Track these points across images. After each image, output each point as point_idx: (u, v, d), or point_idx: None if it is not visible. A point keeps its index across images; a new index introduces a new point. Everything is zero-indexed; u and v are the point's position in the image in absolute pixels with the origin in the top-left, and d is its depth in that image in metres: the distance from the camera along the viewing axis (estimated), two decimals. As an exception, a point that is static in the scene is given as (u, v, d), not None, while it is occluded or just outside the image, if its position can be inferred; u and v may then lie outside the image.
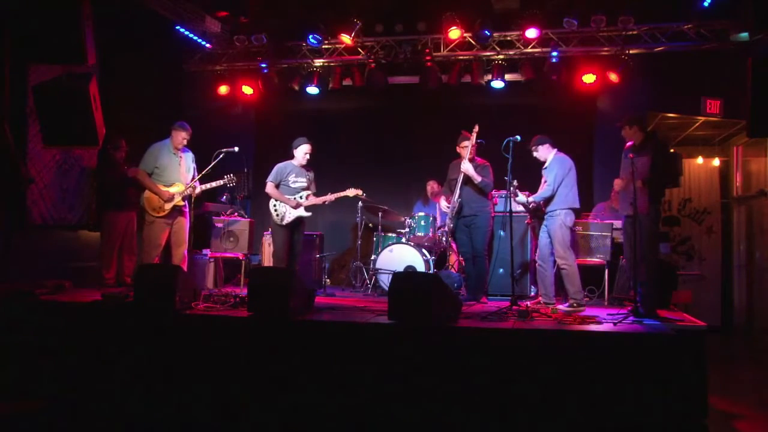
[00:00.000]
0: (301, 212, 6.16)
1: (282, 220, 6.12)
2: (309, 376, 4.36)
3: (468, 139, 6.08)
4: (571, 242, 5.55)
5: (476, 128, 6.05)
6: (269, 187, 6.18)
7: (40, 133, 5.45)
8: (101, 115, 5.32)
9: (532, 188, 5.90)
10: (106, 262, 6.30)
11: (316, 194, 6.29)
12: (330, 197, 6.27)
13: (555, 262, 5.56)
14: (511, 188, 5.57)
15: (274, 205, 6.16)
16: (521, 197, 5.71)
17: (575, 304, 5.28)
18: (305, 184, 6.25)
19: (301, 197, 6.18)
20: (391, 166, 8.74)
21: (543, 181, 5.66)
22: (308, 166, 6.29)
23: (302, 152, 6.17)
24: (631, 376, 3.90)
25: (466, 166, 5.99)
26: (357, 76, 8.21)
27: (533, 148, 5.68)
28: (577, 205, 5.53)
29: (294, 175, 6.20)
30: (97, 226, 6.82)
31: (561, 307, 5.26)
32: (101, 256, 6.36)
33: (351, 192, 6.33)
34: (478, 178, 5.99)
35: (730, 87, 6.96)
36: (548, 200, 5.52)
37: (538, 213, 5.72)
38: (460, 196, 6.11)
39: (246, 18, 8.12)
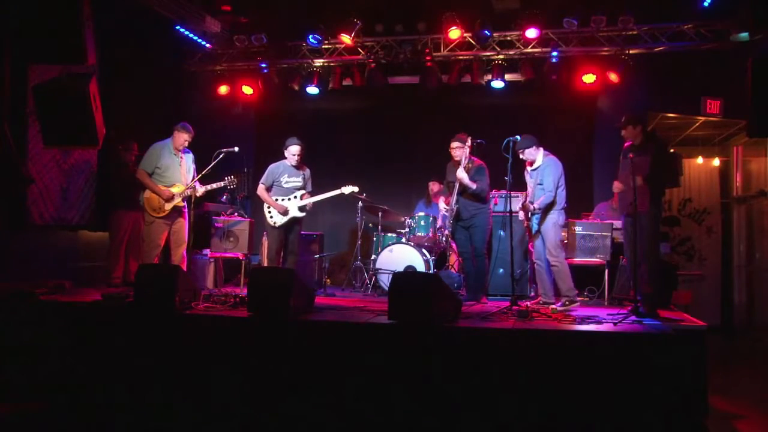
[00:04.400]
0: (295, 213, 6.15)
1: (275, 222, 6.12)
2: (309, 376, 4.36)
3: (461, 143, 6.05)
4: (571, 243, 5.56)
5: (469, 140, 6.00)
6: (260, 190, 6.20)
7: (40, 134, 5.45)
8: (101, 115, 5.32)
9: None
10: (113, 262, 6.32)
11: (312, 193, 6.27)
12: (324, 196, 6.24)
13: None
14: (529, 204, 5.57)
15: (268, 208, 6.16)
16: (533, 209, 5.63)
17: (567, 302, 5.31)
18: (299, 184, 6.22)
19: (295, 197, 6.17)
20: (391, 166, 8.73)
21: (536, 183, 5.64)
22: (303, 165, 6.28)
23: (291, 153, 6.14)
24: (631, 376, 3.90)
25: (462, 175, 5.96)
26: (357, 76, 8.20)
27: (519, 151, 5.62)
28: (566, 205, 5.59)
29: (287, 175, 6.19)
30: (97, 226, 6.82)
31: (554, 306, 5.26)
32: (109, 256, 6.39)
33: (347, 189, 6.27)
34: (473, 186, 5.94)
35: (730, 87, 6.95)
36: (549, 204, 5.53)
37: (530, 214, 5.72)
38: (457, 202, 6.11)
39: (246, 18, 8.12)
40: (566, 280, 5.46)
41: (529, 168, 5.73)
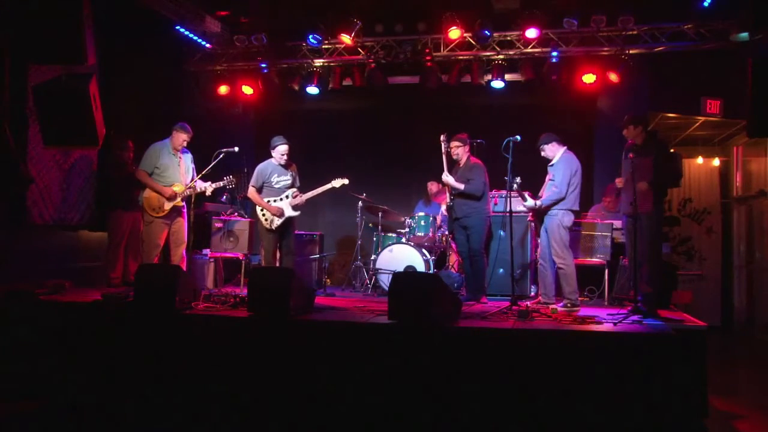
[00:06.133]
0: (290, 212, 6.12)
1: (271, 224, 6.07)
2: (309, 376, 4.36)
3: (461, 142, 6.09)
4: (570, 243, 5.54)
5: (443, 137, 6.12)
6: (251, 192, 6.15)
7: (40, 134, 5.44)
8: (101, 115, 5.32)
9: (532, 188, 5.90)
10: (111, 262, 6.31)
11: (302, 189, 6.22)
12: (316, 192, 6.19)
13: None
14: (516, 188, 5.54)
15: (262, 210, 6.13)
16: (530, 202, 5.62)
17: (569, 305, 5.28)
18: (289, 182, 6.18)
19: (287, 196, 6.14)
20: (391, 166, 8.74)
21: (548, 178, 5.62)
22: (289, 162, 6.23)
23: (279, 153, 6.09)
24: (631, 376, 3.90)
25: (447, 179, 6.03)
26: (357, 76, 8.20)
27: (540, 147, 5.62)
28: (576, 207, 5.49)
29: (276, 174, 6.14)
30: (97, 226, 6.82)
31: (554, 306, 5.26)
32: (107, 256, 6.37)
33: (337, 183, 6.21)
34: (460, 187, 5.98)
35: (730, 87, 6.96)
36: (556, 201, 5.46)
37: (539, 213, 5.69)
38: (451, 200, 6.12)
39: (246, 18, 8.12)
40: (571, 283, 5.38)
41: (549, 166, 5.69)
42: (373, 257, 7.14)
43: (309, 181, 6.45)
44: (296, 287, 4.70)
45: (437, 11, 7.62)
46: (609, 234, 6.23)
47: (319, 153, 8.62)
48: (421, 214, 7.19)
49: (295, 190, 6.19)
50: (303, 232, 7.42)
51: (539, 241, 5.71)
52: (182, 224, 6.13)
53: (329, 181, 6.22)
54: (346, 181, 6.26)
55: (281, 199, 6.13)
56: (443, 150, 6.11)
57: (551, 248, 5.46)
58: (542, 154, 5.65)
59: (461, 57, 7.98)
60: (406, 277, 5.00)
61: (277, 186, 6.15)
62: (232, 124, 8.88)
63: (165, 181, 6.04)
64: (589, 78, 7.51)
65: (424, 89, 8.09)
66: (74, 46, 4.95)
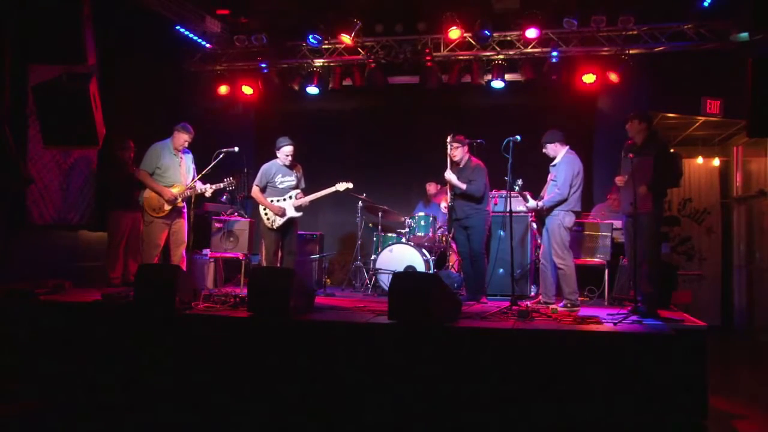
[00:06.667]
0: (292, 213, 6.13)
1: (273, 224, 6.09)
2: (309, 376, 4.36)
3: (459, 143, 6.09)
4: (571, 243, 5.53)
5: (449, 138, 6.12)
6: (254, 191, 6.18)
7: (40, 134, 5.44)
8: (101, 115, 5.32)
9: (532, 188, 5.90)
10: (111, 262, 6.31)
11: (307, 191, 6.23)
12: (319, 194, 6.21)
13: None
14: (518, 190, 5.53)
15: (265, 210, 6.14)
16: (532, 203, 5.62)
17: (569, 305, 5.28)
18: (294, 183, 6.20)
19: (290, 197, 6.14)
20: (391, 166, 8.73)
21: (550, 178, 5.61)
22: (295, 164, 6.25)
23: (284, 153, 6.12)
24: (631, 376, 3.91)
25: (449, 176, 6.03)
26: (357, 76, 8.20)
27: (542, 144, 5.61)
28: (578, 208, 5.48)
29: (281, 175, 6.16)
30: (97, 226, 6.82)
31: (554, 306, 5.26)
32: (107, 256, 6.38)
33: (341, 186, 6.22)
34: (462, 187, 5.98)
35: (730, 87, 6.95)
36: (558, 202, 5.44)
37: (540, 213, 5.68)
38: (452, 200, 6.12)
39: (246, 18, 8.12)
40: (571, 284, 5.38)
41: (551, 165, 5.67)
42: (373, 257, 7.14)
43: (309, 180, 6.45)
44: (296, 287, 4.70)
45: (437, 11, 7.63)
46: (609, 234, 6.23)
47: (319, 153, 8.61)
48: (421, 214, 7.19)
49: (299, 191, 6.20)
50: (303, 232, 7.42)
51: (540, 241, 5.70)
52: (182, 224, 6.13)
53: (332, 183, 6.24)
54: (350, 185, 6.27)
55: (284, 200, 6.14)
56: (449, 151, 6.10)
57: (552, 249, 5.46)
58: (543, 151, 5.64)
59: (461, 57, 7.98)
60: (406, 277, 5.00)
61: (281, 186, 6.16)
62: (232, 124, 8.87)
63: (166, 182, 6.04)
64: (589, 78, 7.51)
65: (424, 89, 8.09)
66: (74, 46, 4.95)
